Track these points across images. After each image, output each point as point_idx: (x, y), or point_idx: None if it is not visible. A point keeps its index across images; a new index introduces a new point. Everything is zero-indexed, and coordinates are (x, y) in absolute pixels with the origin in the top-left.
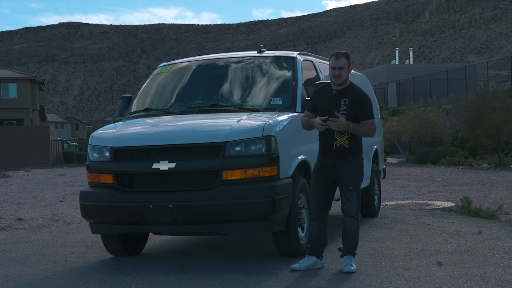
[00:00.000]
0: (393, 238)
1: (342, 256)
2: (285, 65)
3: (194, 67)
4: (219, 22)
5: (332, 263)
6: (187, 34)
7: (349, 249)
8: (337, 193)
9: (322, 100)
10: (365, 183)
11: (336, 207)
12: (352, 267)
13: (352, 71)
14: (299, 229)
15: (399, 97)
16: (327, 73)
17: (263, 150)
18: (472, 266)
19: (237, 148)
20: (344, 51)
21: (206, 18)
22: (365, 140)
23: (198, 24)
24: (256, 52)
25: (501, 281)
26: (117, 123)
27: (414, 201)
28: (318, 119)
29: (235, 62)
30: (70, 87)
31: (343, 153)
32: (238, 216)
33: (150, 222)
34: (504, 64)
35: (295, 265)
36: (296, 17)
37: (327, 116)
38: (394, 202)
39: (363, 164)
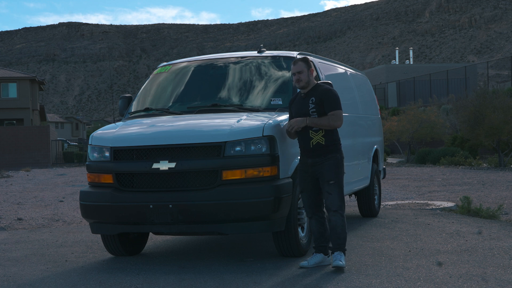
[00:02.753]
0: (393, 238)
1: (332, 253)
2: (285, 65)
3: (194, 67)
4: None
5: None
6: (187, 34)
7: (337, 246)
8: None
9: (295, 106)
10: (365, 183)
11: None
12: (340, 262)
13: (352, 70)
14: (299, 229)
15: (399, 97)
16: (327, 73)
17: (263, 150)
18: (472, 266)
19: (237, 148)
20: (301, 56)
21: (205, 18)
22: (365, 140)
23: (198, 24)
24: (256, 52)
25: (501, 281)
26: (117, 123)
27: (414, 201)
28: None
29: (235, 62)
30: (70, 87)
31: (320, 151)
32: (238, 216)
33: (150, 222)
34: (504, 64)
35: (304, 262)
36: (296, 17)
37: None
38: (394, 202)
39: (343, 161)
